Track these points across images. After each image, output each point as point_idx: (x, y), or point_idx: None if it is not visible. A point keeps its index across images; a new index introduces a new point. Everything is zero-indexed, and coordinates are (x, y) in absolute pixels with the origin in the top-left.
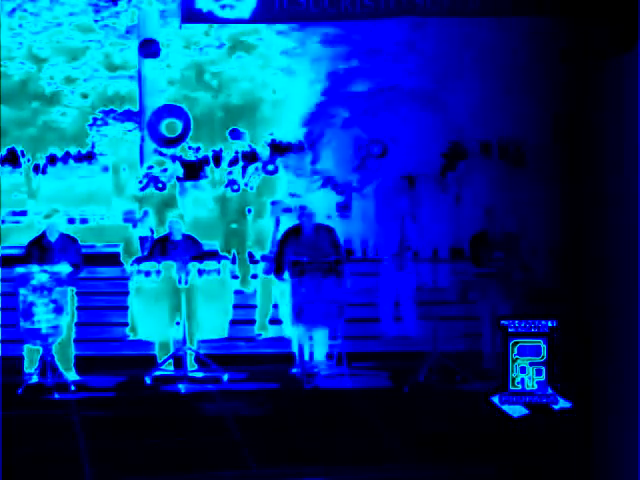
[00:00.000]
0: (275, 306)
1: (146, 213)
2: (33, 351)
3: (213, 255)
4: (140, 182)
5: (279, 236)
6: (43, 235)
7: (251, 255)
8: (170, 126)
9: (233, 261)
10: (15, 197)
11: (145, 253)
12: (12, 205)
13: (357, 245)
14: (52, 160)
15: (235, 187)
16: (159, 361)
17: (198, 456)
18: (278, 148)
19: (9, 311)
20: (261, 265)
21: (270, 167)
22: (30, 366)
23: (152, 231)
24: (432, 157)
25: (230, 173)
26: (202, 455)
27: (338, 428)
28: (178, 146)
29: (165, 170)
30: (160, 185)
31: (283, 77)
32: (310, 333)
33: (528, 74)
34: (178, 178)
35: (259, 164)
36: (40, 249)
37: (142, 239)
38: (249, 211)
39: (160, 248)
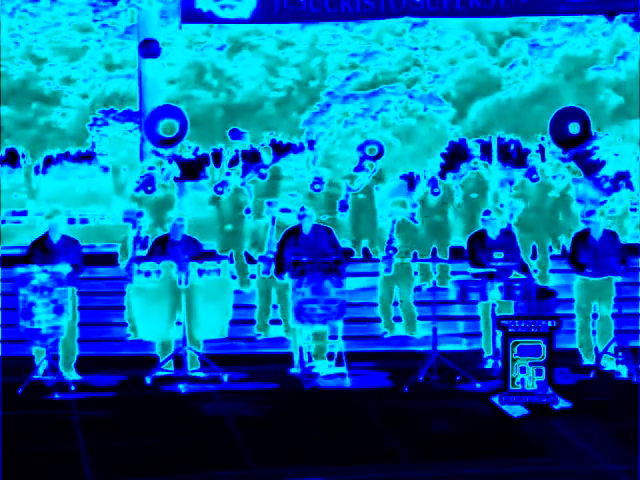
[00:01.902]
0: (275, 306)
1: (140, 214)
2: (40, 351)
3: (212, 255)
4: (137, 182)
5: (276, 236)
6: (46, 236)
7: (248, 255)
8: (167, 127)
9: (231, 261)
10: (15, 197)
11: (137, 253)
12: (12, 205)
13: (360, 245)
14: (51, 160)
15: (219, 189)
16: (160, 361)
17: (198, 456)
18: (278, 148)
19: (9, 311)
20: (258, 265)
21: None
22: (40, 364)
23: (139, 229)
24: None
25: (228, 174)
26: (202, 455)
27: (338, 428)
28: (175, 146)
29: (163, 170)
30: (161, 186)
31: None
32: (310, 333)
33: None
34: (175, 178)
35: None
36: (42, 250)
37: (135, 239)
38: (247, 211)
39: (160, 248)
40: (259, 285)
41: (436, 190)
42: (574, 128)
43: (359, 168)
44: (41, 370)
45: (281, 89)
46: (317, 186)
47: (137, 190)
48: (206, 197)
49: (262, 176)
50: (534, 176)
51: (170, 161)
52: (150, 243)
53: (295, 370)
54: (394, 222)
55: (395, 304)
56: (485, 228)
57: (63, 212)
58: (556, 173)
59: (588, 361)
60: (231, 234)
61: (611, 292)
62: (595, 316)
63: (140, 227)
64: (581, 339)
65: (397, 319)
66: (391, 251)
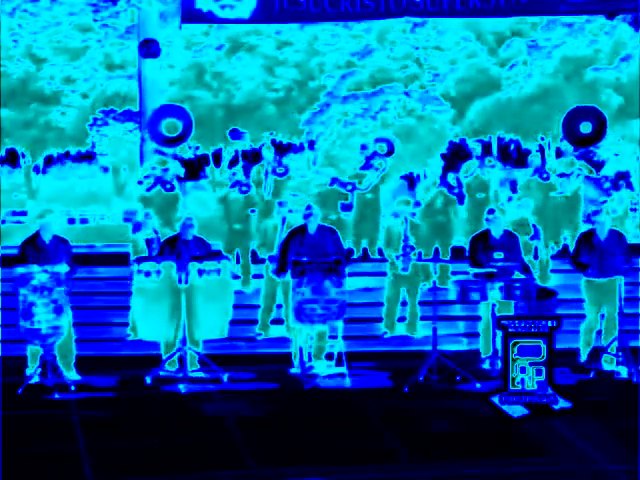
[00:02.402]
0: (279, 306)
1: (147, 215)
2: (36, 351)
3: (215, 255)
4: (140, 182)
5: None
6: (37, 235)
7: (255, 255)
8: (170, 126)
9: (237, 261)
10: (15, 197)
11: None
12: (12, 205)
13: (360, 245)
14: (52, 160)
15: (244, 189)
16: (162, 361)
17: (198, 456)
18: (278, 148)
19: (9, 311)
20: (266, 265)
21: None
22: (32, 366)
23: (156, 232)
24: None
25: (234, 174)
26: (202, 455)
27: (338, 428)
28: (179, 146)
29: (167, 170)
30: (169, 186)
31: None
32: (310, 333)
33: None
34: (179, 178)
35: (268, 166)
36: (35, 249)
37: (148, 241)
38: (252, 211)
39: (170, 248)
40: (266, 285)
41: (456, 191)
42: (586, 127)
43: (366, 167)
44: (34, 372)
45: (280, 89)
46: (335, 185)
47: (149, 189)
48: (207, 197)
49: (280, 175)
50: (544, 175)
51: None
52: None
53: (295, 370)
54: (406, 220)
55: (404, 304)
56: (489, 228)
57: (56, 211)
58: (568, 172)
59: (585, 361)
60: (237, 233)
61: (617, 292)
62: (602, 316)
63: (154, 228)
64: (586, 338)
65: (402, 319)
66: (408, 249)
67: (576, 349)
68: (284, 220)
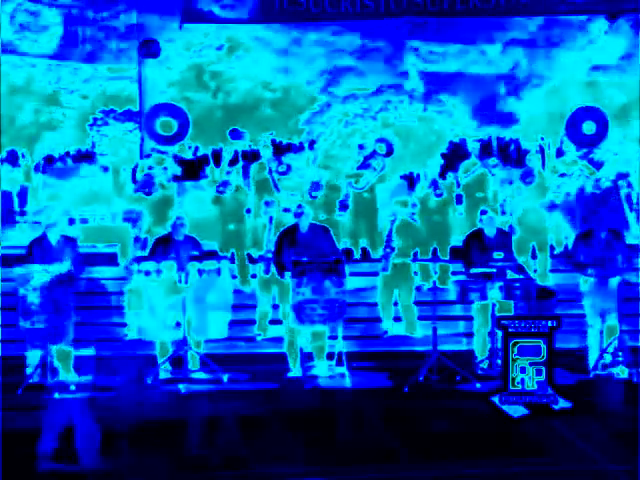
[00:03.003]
0: (275, 306)
1: (139, 214)
2: (34, 351)
3: (213, 255)
4: (135, 182)
5: (273, 236)
6: (44, 235)
7: (250, 255)
8: (166, 125)
9: (232, 261)
10: (15, 197)
11: (141, 253)
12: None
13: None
14: (52, 160)
15: (221, 189)
16: (159, 361)
17: (199, 456)
18: (278, 148)
19: (9, 311)
20: (259, 265)
21: (282, 168)
22: (31, 366)
23: (139, 230)
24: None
25: (228, 173)
26: (203, 455)
27: (338, 428)
28: (175, 144)
29: (165, 169)
30: (159, 185)
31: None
32: (310, 333)
33: None
34: (175, 178)
35: (272, 164)
36: (42, 249)
37: (135, 239)
38: (247, 211)
39: (162, 248)
40: (260, 285)
41: (438, 192)
42: (589, 127)
43: (364, 166)
44: (34, 372)
45: (279, 89)
46: (314, 193)
47: (136, 191)
48: (207, 197)
49: (282, 173)
50: (527, 179)
51: (169, 159)
52: (150, 244)
53: (295, 371)
54: (393, 221)
55: (395, 304)
56: (482, 227)
57: (60, 211)
58: (570, 172)
59: (593, 361)
60: (233, 234)
61: (617, 292)
62: (602, 315)
63: (139, 228)
64: (593, 339)
65: (397, 319)
66: (388, 249)
67: (574, 349)
68: (271, 220)
